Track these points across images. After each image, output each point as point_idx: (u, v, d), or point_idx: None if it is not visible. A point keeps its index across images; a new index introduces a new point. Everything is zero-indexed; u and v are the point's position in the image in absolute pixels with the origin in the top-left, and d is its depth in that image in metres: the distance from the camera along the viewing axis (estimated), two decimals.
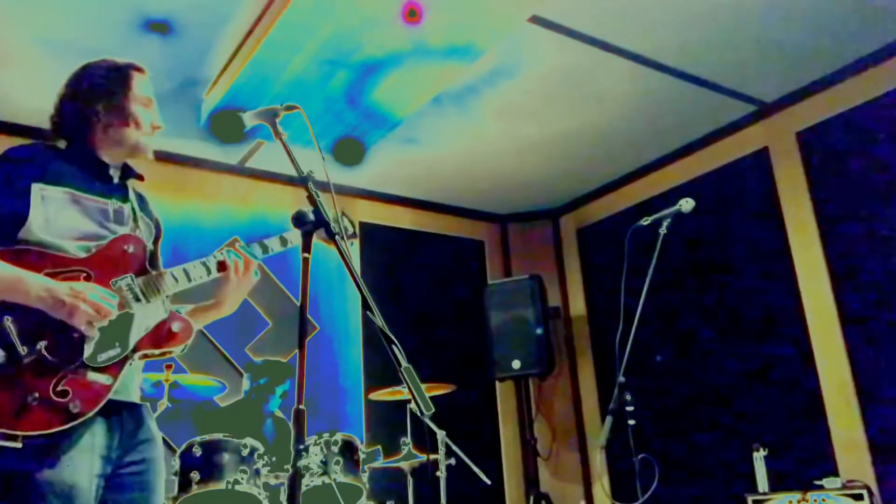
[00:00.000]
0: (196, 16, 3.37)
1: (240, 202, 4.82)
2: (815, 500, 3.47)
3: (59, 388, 1.68)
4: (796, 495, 3.54)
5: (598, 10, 3.54)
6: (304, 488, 3.15)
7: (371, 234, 5.30)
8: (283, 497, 3.15)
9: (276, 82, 3.66)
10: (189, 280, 1.97)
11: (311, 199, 1.77)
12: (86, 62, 2.06)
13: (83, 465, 1.73)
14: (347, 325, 4.99)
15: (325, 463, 3.22)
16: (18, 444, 1.62)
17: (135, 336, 1.86)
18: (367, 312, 1.65)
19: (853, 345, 3.96)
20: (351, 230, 2.31)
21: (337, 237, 1.73)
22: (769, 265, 4.40)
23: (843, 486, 3.47)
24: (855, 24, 3.71)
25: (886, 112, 3.94)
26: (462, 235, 5.84)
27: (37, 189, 1.79)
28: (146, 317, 1.89)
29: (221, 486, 3.01)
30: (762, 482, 3.76)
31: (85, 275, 1.79)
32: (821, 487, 3.50)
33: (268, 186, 4.91)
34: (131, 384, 1.91)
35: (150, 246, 2.00)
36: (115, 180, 1.99)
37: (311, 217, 1.73)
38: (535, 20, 3.56)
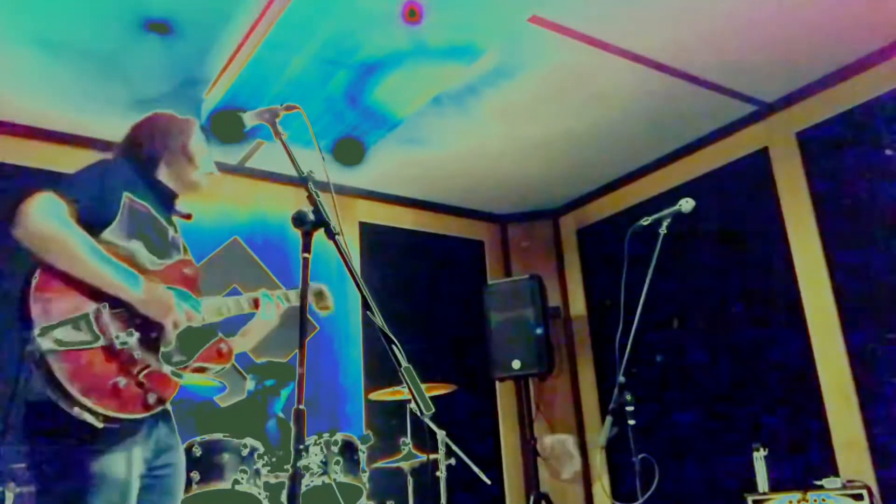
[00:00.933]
0: (196, 16, 3.37)
1: (240, 202, 4.82)
2: (815, 500, 3.47)
3: (141, 378, 1.83)
4: (796, 495, 3.54)
5: (598, 10, 3.53)
6: (304, 488, 3.15)
7: (371, 234, 5.30)
8: (284, 497, 3.15)
9: (276, 82, 3.66)
10: (242, 308, 2.21)
11: (311, 199, 1.78)
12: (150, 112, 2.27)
13: (134, 463, 1.85)
14: (347, 325, 4.99)
15: (325, 463, 3.22)
16: (99, 424, 1.73)
17: (196, 348, 2.03)
18: (367, 312, 1.66)
19: (853, 345, 3.96)
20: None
21: (337, 237, 1.74)
22: (769, 265, 4.40)
23: (843, 486, 3.47)
24: (854, 24, 3.71)
25: (886, 112, 3.93)
26: (462, 235, 5.85)
27: (127, 197, 1.97)
28: (204, 334, 2.07)
29: (221, 486, 3.01)
30: (762, 482, 3.76)
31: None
32: (821, 487, 3.50)
33: (268, 186, 4.91)
34: None
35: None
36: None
37: (311, 217, 1.74)
38: (535, 20, 3.56)
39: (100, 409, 1.72)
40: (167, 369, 1.90)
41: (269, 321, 2.32)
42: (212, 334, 2.10)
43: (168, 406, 2.04)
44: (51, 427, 1.75)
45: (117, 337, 1.79)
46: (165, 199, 2.16)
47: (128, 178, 2.02)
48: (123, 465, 1.81)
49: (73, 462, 1.76)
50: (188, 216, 2.26)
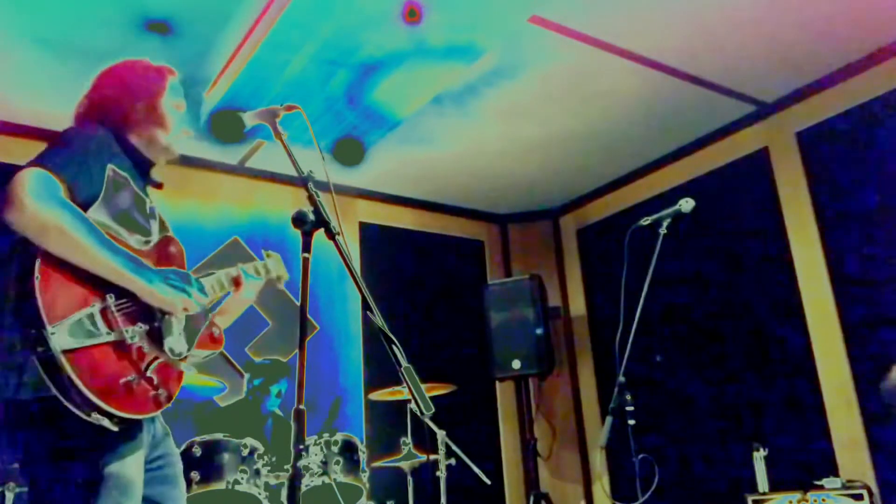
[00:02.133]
0: (196, 16, 3.37)
1: (240, 202, 4.82)
2: (815, 500, 3.47)
3: (149, 374, 1.70)
4: (796, 495, 3.53)
5: (598, 10, 3.53)
6: (304, 488, 3.15)
7: (371, 234, 5.30)
8: (284, 497, 3.15)
9: (276, 82, 3.66)
10: (224, 288, 2.05)
11: (311, 199, 1.77)
12: (112, 62, 2.02)
13: (140, 461, 1.75)
14: (347, 325, 4.99)
15: (325, 463, 3.22)
16: (115, 428, 1.60)
17: (195, 335, 1.90)
18: (368, 312, 1.66)
19: (853, 345, 3.96)
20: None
21: (337, 237, 1.74)
22: (769, 265, 4.40)
23: (843, 486, 3.47)
24: (854, 24, 3.71)
25: (886, 112, 3.93)
26: (462, 235, 5.85)
27: (110, 169, 1.79)
28: (198, 319, 1.94)
29: (221, 486, 3.01)
30: (762, 482, 3.76)
31: None
32: (821, 487, 3.50)
33: (268, 186, 4.91)
34: None
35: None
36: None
37: (312, 217, 1.74)
38: (536, 20, 3.56)
39: (116, 412, 1.58)
40: (174, 361, 1.77)
41: (249, 299, 2.12)
42: (205, 318, 1.96)
43: None
44: (53, 430, 1.60)
45: (127, 331, 1.65)
46: (141, 167, 1.95)
47: (109, 145, 1.84)
48: (135, 467, 1.69)
49: (79, 466, 1.61)
50: (159, 185, 2.04)
